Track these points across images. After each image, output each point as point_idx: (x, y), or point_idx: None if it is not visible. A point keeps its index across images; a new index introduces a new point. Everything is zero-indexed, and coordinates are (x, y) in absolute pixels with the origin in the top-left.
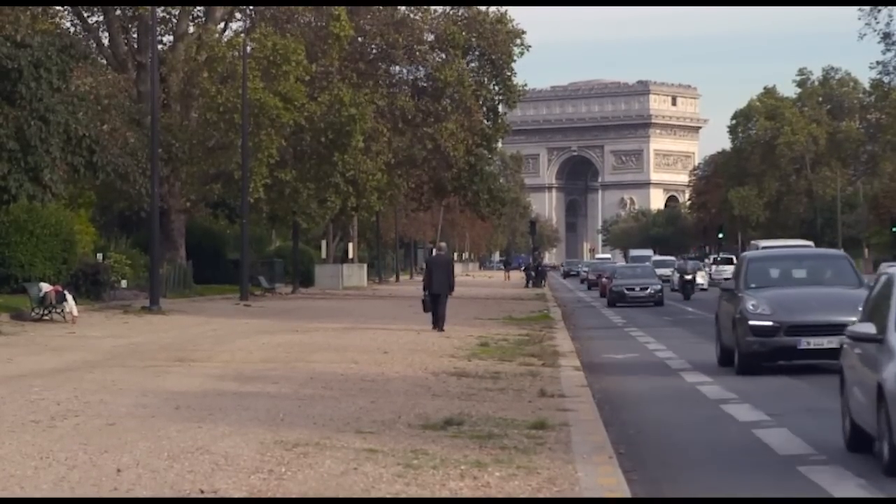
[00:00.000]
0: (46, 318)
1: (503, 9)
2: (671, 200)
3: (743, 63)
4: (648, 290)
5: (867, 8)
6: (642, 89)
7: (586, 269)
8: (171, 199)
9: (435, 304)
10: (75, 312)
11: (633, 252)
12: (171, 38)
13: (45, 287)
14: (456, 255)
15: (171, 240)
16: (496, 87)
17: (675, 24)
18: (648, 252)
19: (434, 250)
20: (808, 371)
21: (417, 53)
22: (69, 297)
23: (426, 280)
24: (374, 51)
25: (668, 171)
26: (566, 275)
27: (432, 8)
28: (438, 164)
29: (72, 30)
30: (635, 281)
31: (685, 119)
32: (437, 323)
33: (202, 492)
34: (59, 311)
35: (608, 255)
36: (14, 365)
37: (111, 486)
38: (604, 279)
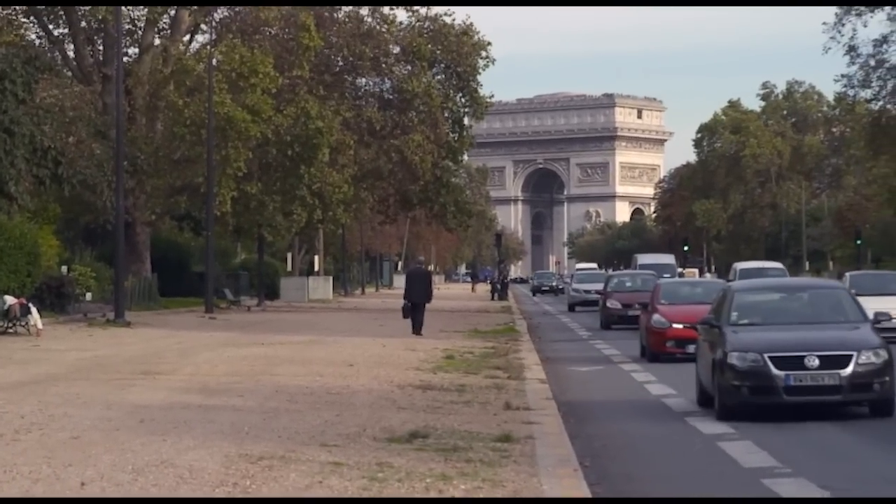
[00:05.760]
0: (10, 330)
1: (468, 21)
2: (637, 213)
3: (708, 76)
4: (861, 363)
5: (831, 21)
6: (608, 102)
7: (583, 286)
8: (137, 212)
9: (414, 311)
10: (40, 325)
11: (644, 259)
12: (137, 50)
13: (10, 300)
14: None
15: (136, 252)
16: (462, 100)
17: (641, 38)
18: (668, 259)
19: (413, 263)
20: None
21: (384, 65)
22: (34, 309)
23: (406, 290)
24: (341, 63)
25: (633, 183)
26: (536, 290)
27: (398, 20)
28: (404, 177)
29: (37, 42)
30: (807, 338)
31: (650, 132)
32: (416, 328)
33: None
34: (23, 323)
35: (594, 265)
36: None
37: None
38: (658, 314)
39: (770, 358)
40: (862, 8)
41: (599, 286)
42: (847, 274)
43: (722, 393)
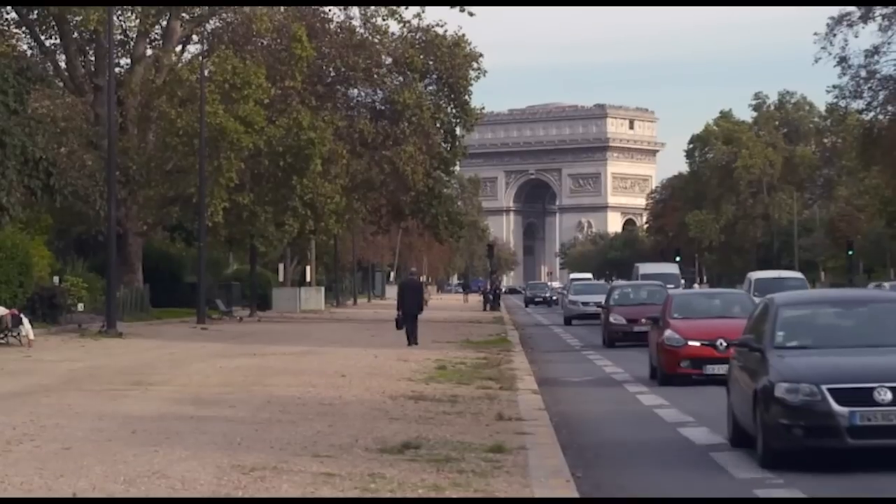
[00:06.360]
0: (2, 341)
1: (461, 32)
2: (628, 224)
3: (700, 87)
4: None
5: (822, 32)
6: (600, 113)
7: (581, 298)
8: (129, 223)
9: (407, 322)
10: (31, 336)
11: (646, 269)
12: (129, 60)
13: (2, 310)
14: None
15: (128, 263)
16: (453, 111)
17: (633, 49)
18: (672, 269)
19: (406, 275)
20: None
21: (376, 76)
22: (25, 320)
23: (399, 301)
24: (333, 73)
25: (625, 194)
26: (529, 301)
27: (390, 31)
28: (396, 188)
29: (29, 52)
30: (876, 364)
31: (642, 142)
32: (410, 338)
33: None
34: (15, 334)
35: (589, 275)
36: None
37: None
38: (671, 329)
39: (830, 391)
40: (853, 17)
41: (598, 298)
42: (886, 284)
43: (767, 434)
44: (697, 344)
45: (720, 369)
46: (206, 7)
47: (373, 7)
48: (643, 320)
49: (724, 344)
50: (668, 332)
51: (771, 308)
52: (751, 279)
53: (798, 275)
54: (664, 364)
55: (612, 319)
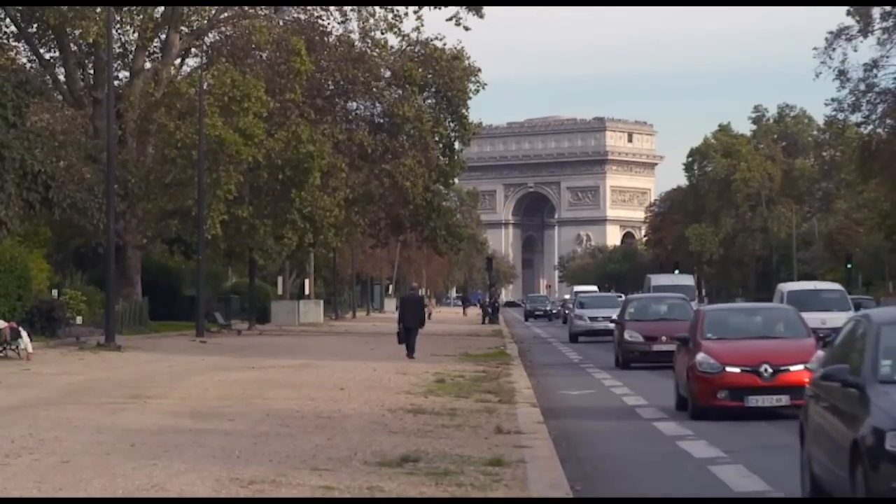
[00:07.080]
0: (1, 354)
1: (459, 45)
2: (627, 237)
3: (699, 100)
4: None
5: (822, 46)
6: (598, 126)
7: (588, 312)
8: (127, 236)
9: (407, 335)
10: (30, 349)
11: (658, 280)
12: (128, 73)
13: (0, 324)
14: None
15: (126, 276)
16: (451, 124)
17: (632, 61)
18: (686, 280)
19: (407, 289)
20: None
21: (375, 90)
22: (24, 333)
23: (400, 315)
24: (332, 87)
25: (624, 207)
26: (529, 315)
27: (390, 44)
28: (395, 201)
29: (28, 65)
30: None
31: (641, 156)
32: (409, 351)
33: None
34: (13, 347)
35: (594, 287)
36: None
37: None
38: (704, 352)
39: None
40: (852, 31)
41: (608, 312)
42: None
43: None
44: (737, 370)
45: (765, 401)
46: (206, 20)
47: (371, 20)
48: (663, 338)
49: (770, 370)
50: (700, 356)
51: (867, 329)
52: (782, 291)
53: (836, 286)
54: (697, 394)
55: (627, 337)
